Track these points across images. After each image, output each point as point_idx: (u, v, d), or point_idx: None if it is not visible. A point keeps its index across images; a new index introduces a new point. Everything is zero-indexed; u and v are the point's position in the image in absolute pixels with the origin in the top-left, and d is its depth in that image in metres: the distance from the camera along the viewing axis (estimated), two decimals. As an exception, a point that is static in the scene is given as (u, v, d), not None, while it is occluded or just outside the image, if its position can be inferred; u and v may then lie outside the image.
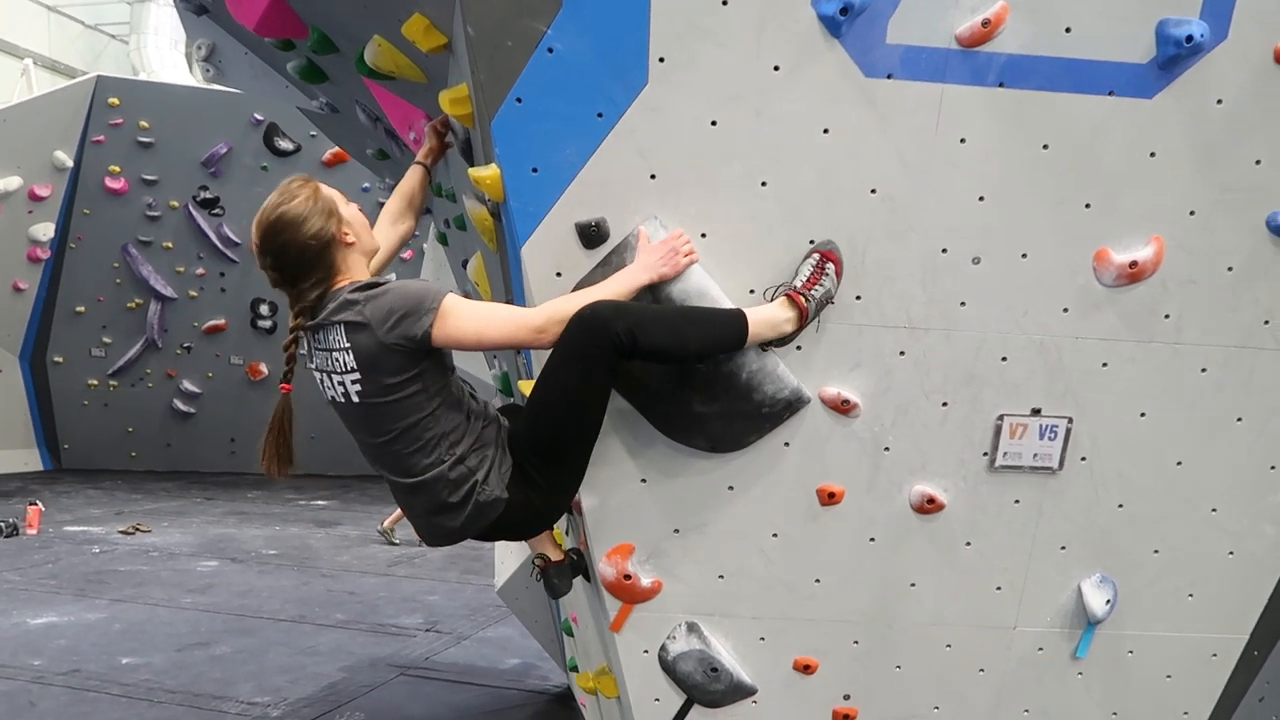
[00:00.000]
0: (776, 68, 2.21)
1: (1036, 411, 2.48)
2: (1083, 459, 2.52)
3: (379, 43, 2.78)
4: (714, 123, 2.23)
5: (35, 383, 11.93)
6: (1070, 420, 2.49)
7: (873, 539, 2.55)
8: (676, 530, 2.52)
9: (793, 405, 2.39)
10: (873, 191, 2.30)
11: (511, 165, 2.23)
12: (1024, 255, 2.36)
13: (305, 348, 2.36)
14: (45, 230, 11.13)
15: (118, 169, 11.22)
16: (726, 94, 2.21)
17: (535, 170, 2.23)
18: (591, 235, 2.27)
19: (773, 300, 2.28)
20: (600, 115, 2.21)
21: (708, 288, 2.28)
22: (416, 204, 2.73)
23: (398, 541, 8.81)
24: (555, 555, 2.65)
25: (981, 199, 2.32)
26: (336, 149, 10.20)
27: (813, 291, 2.23)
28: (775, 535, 2.54)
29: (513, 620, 5.88)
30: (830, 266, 2.25)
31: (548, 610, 4.66)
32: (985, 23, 2.17)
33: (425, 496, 2.32)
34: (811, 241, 2.32)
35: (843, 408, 2.43)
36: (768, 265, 2.33)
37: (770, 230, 2.31)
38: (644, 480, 2.47)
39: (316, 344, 2.31)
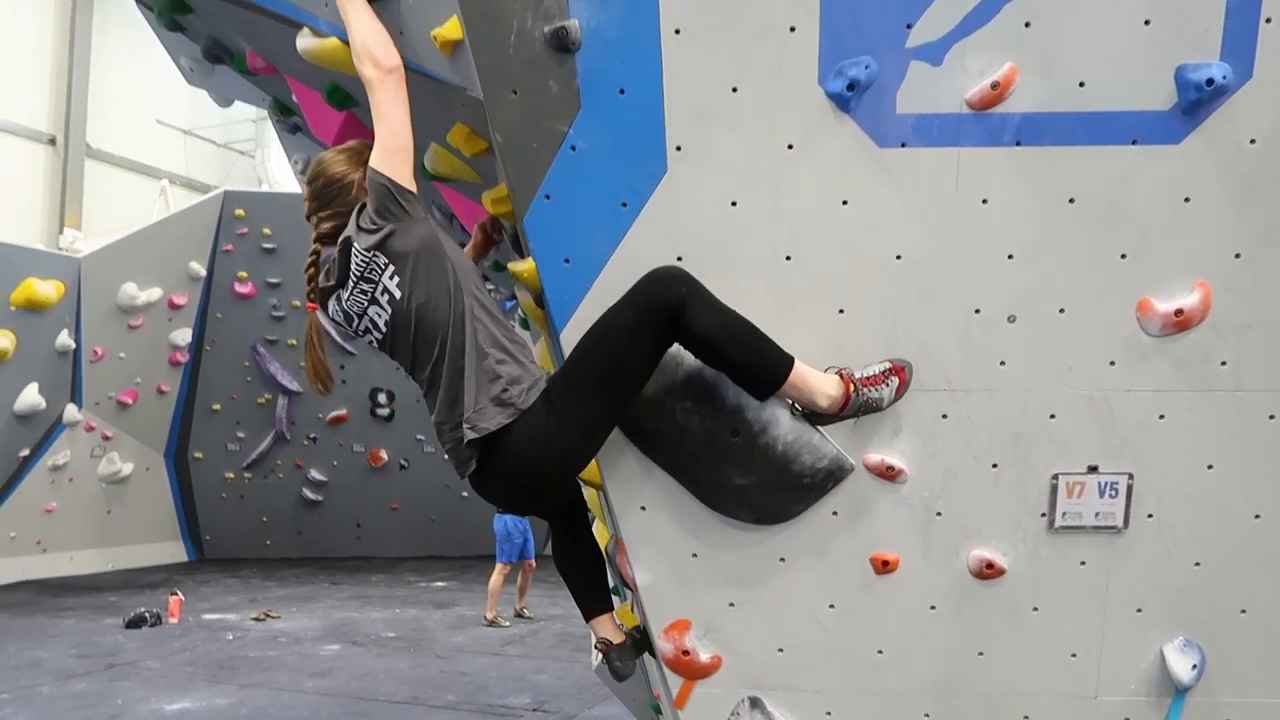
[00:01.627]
0: (790, 146, 2.27)
1: (1093, 469, 2.41)
2: (1149, 516, 2.43)
3: (435, 149, 2.98)
4: (734, 203, 2.31)
5: (179, 478, 12.74)
6: (1131, 476, 2.40)
7: (933, 607, 2.50)
8: (731, 604, 2.53)
9: (835, 475, 2.39)
10: (898, 258, 2.32)
11: (545, 258, 2.35)
12: (1061, 310, 2.33)
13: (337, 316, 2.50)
14: (184, 335, 12.00)
15: (245, 274, 12.05)
16: (743, 175, 2.29)
17: (567, 261, 2.35)
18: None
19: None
20: (625, 205, 2.31)
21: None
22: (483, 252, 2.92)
23: (507, 623, 8.95)
24: (616, 638, 2.69)
25: (1011, 257, 2.31)
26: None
27: (866, 390, 2.26)
28: (832, 606, 2.52)
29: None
30: (894, 380, 2.28)
31: (645, 689, 4.67)
32: (994, 85, 2.20)
33: (459, 405, 2.32)
34: (841, 311, 2.35)
35: (888, 474, 2.42)
36: (796, 337, 2.36)
37: (796, 303, 2.35)
38: (695, 555, 2.50)
39: (346, 288, 2.44)
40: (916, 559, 2.48)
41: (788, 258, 2.33)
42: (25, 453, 10.43)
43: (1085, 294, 2.32)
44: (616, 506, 2.50)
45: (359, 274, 2.39)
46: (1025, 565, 2.47)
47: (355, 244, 2.38)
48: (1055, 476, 2.42)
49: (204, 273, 11.83)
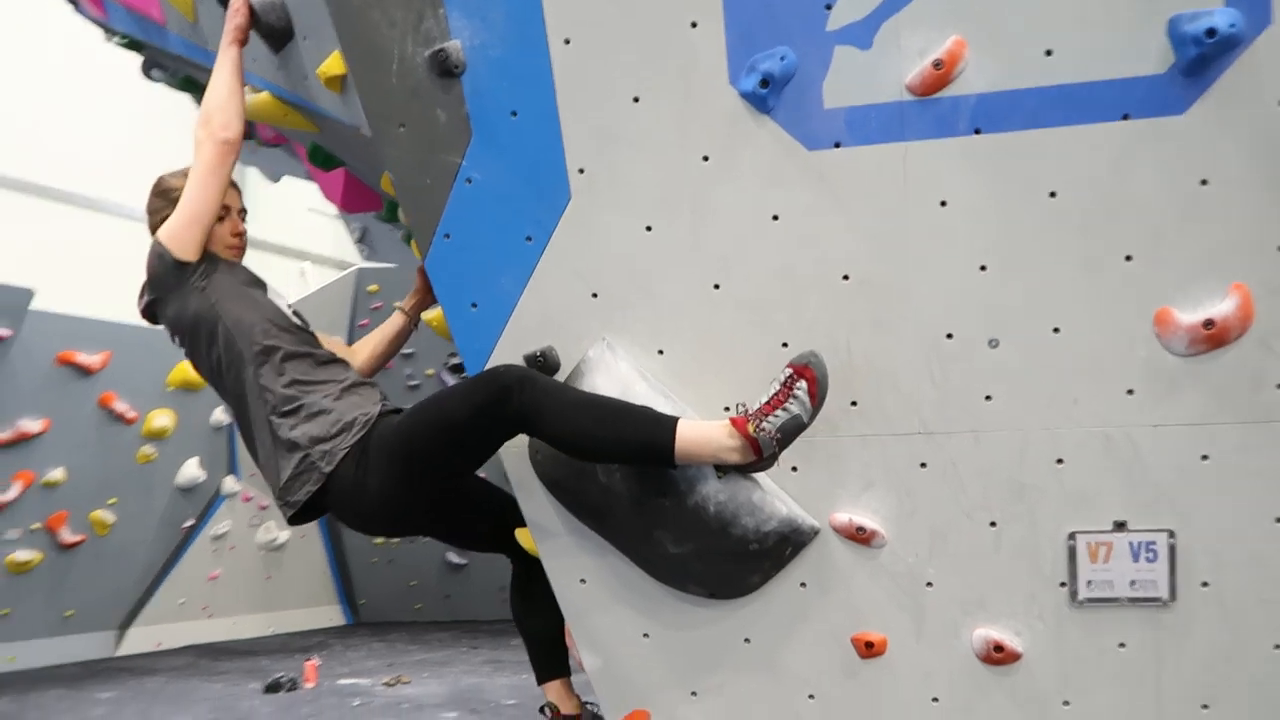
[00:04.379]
0: (706, 158, 1.97)
1: (1120, 525, 1.92)
2: (1204, 585, 1.91)
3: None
4: (649, 228, 2.02)
5: (332, 544, 13.20)
6: (1171, 534, 1.90)
7: (936, 699, 2.06)
8: (694, 693, 2.17)
9: (791, 540, 2.01)
10: (845, 278, 1.95)
11: (451, 303, 2.13)
12: (1056, 330, 1.89)
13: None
14: (330, 407, 12.47)
15: (383, 347, 12.46)
16: (657, 196, 2.00)
17: (475, 305, 2.12)
18: (540, 367, 2.09)
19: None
20: (529, 239, 2.07)
21: (632, 384, 2.00)
22: (393, 347, 2.70)
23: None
24: (566, 707, 2.38)
25: (983, 269, 1.90)
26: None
27: (770, 419, 1.84)
28: (812, 697, 2.11)
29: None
30: (802, 386, 1.85)
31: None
32: (938, 64, 1.82)
33: (271, 480, 2.19)
34: (785, 345, 1.99)
35: (859, 536, 2.02)
36: (741, 378, 2.02)
37: (733, 338, 2.02)
38: (646, 635, 2.17)
39: None
40: (908, 640, 2.05)
41: (716, 286, 2.01)
42: (189, 523, 11.07)
43: (1084, 308, 1.87)
44: (553, 579, 2.21)
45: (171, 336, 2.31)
46: (1047, 648, 1.99)
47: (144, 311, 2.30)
48: (1072, 536, 1.95)
49: (343, 347, 12.29)
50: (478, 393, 1.93)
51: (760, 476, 2.01)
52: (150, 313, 2.26)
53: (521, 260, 2.07)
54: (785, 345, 1.99)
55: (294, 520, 2.13)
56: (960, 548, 2.00)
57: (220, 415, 11.15)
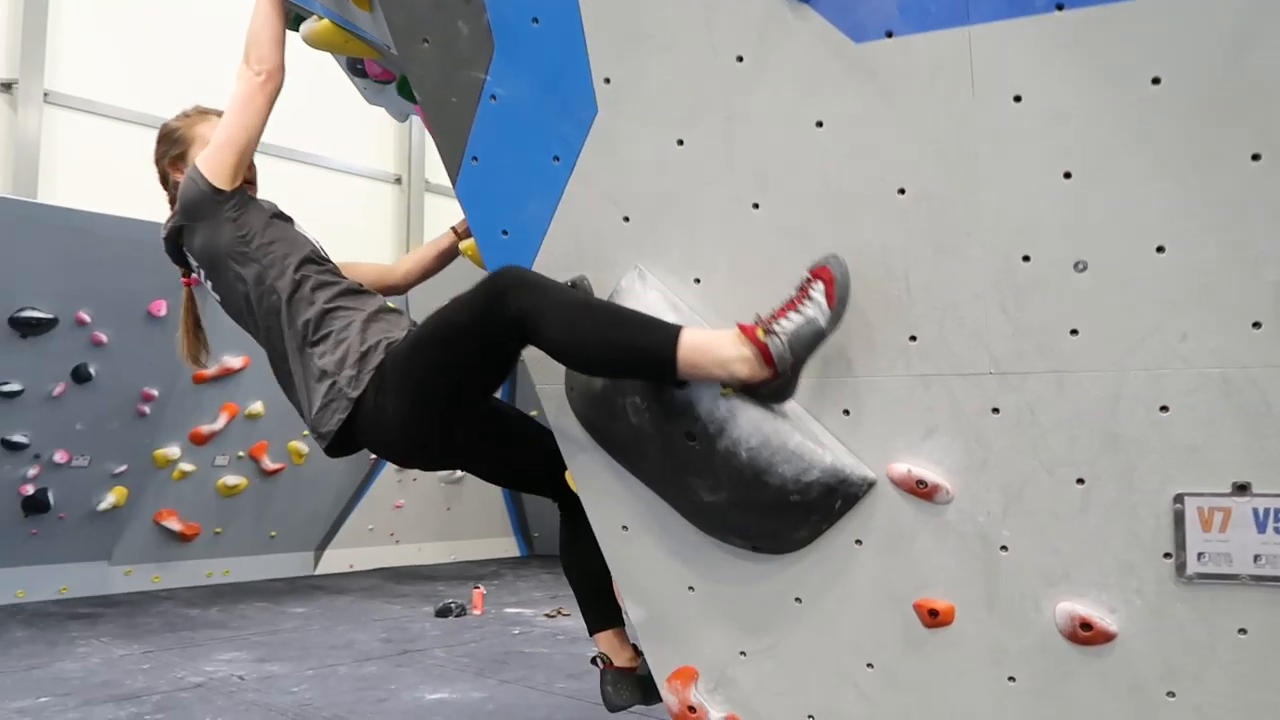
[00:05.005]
0: (740, 59, 1.73)
1: (1242, 488, 1.58)
2: (1353, 564, 1.54)
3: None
4: (680, 141, 1.81)
5: (509, 480, 13.71)
6: (1308, 500, 1.54)
7: (1012, 679, 1.79)
8: (743, 653, 2.00)
9: (838, 491, 1.78)
10: (900, 192, 1.68)
11: (482, 231, 2.01)
12: (1160, 249, 1.54)
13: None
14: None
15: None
16: (687, 105, 1.78)
17: (505, 233, 1.98)
18: None
19: None
20: (557, 159, 1.90)
21: (663, 315, 1.80)
22: (438, 264, 2.62)
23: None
24: (619, 659, 2.26)
25: (1068, 176, 1.57)
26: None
27: (782, 323, 1.64)
28: (870, 666, 1.89)
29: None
30: (819, 288, 1.64)
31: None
32: (1007, -75, 1.50)
33: (304, 411, 2.15)
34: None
35: (920, 491, 1.76)
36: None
37: (775, 263, 1.79)
38: (691, 588, 2.01)
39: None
40: (978, 610, 1.79)
41: (755, 206, 1.78)
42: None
43: (1196, 221, 1.51)
44: (595, 526, 2.08)
45: (195, 266, 2.27)
46: (1147, 630, 1.68)
47: (167, 236, 2.26)
48: (1179, 498, 1.62)
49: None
50: (477, 297, 1.81)
51: (801, 417, 1.79)
52: (173, 240, 2.25)
53: (550, 183, 1.92)
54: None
55: (331, 452, 2.10)
56: (1040, 508, 1.70)
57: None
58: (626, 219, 1.87)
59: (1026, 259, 1.62)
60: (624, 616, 2.32)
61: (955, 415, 1.72)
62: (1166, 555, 1.64)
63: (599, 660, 2.31)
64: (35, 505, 7.14)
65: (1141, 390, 1.60)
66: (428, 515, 12.49)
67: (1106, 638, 1.70)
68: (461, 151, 1.97)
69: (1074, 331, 1.62)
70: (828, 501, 1.80)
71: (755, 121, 1.74)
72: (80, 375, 6.91)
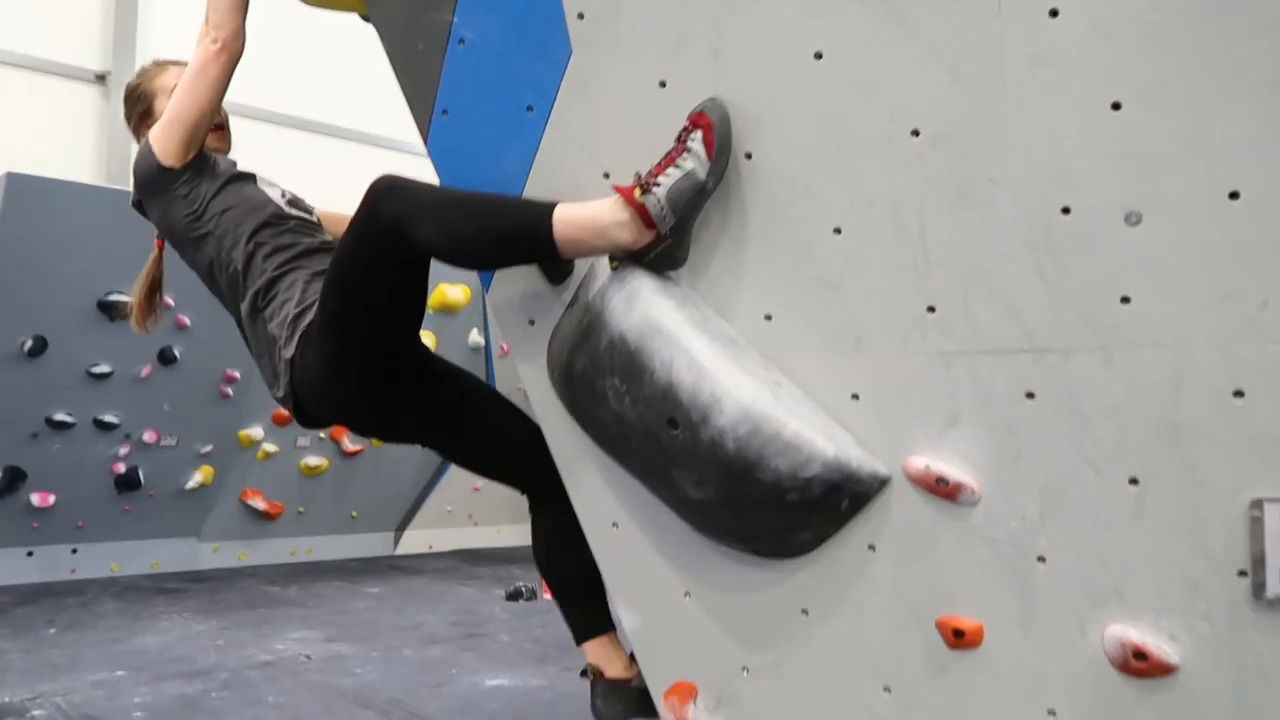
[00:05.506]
0: (726, -17, 1.48)
1: (1338, 494, 1.26)
2: None
3: None
4: (663, 83, 1.57)
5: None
6: None
7: (1052, 713, 1.51)
8: (745, 669, 1.76)
9: (844, 489, 1.53)
10: (914, 134, 1.41)
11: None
12: (1233, 195, 1.24)
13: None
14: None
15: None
16: (669, 40, 1.55)
17: (481, 194, 1.78)
18: (551, 271, 1.73)
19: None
20: (530, 109, 1.69)
21: None
22: None
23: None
24: (611, 670, 2.04)
25: (1116, 107, 1.28)
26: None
27: (659, 180, 1.49)
28: (888, 690, 1.64)
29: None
30: (696, 136, 1.48)
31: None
32: None
33: (272, 383, 2.04)
34: (837, 231, 1.49)
35: (941, 490, 1.50)
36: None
37: (774, 218, 1.54)
38: (687, 594, 1.78)
39: None
40: (1012, 630, 1.51)
41: (748, 156, 1.53)
42: (453, 438, 11.77)
43: (1277, 162, 1.20)
44: (583, 521, 1.87)
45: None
46: (1216, 662, 1.38)
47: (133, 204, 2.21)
48: (1257, 504, 1.31)
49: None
50: (355, 216, 1.69)
51: (772, 409, 1.53)
52: (139, 209, 2.20)
53: (525, 135, 1.71)
54: (838, 231, 1.49)
55: (303, 422, 1.97)
56: (1085, 512, 1.42)
57: (476, 337, 11.73)
58: (607, 175, 1.65)
59: (1066, 211, 1.33)
60: (612, 620, 2.10)
61: (982, 401, 1.44)
62: (1241, 573, 1.34)
63: (588, 672, 2.09)
64: (127, 483, 7.36)
65: (1209, 370, 1.30)
66: (505, 498, 12.45)
67: (1165, 670, 1.40)
68: (431, 105, 1.78)
69: (1125, 299, 1.32)
70: (832, 501, 1.54)
71: (745, 56, 1.49)
72: (166, 357, 7.06)
